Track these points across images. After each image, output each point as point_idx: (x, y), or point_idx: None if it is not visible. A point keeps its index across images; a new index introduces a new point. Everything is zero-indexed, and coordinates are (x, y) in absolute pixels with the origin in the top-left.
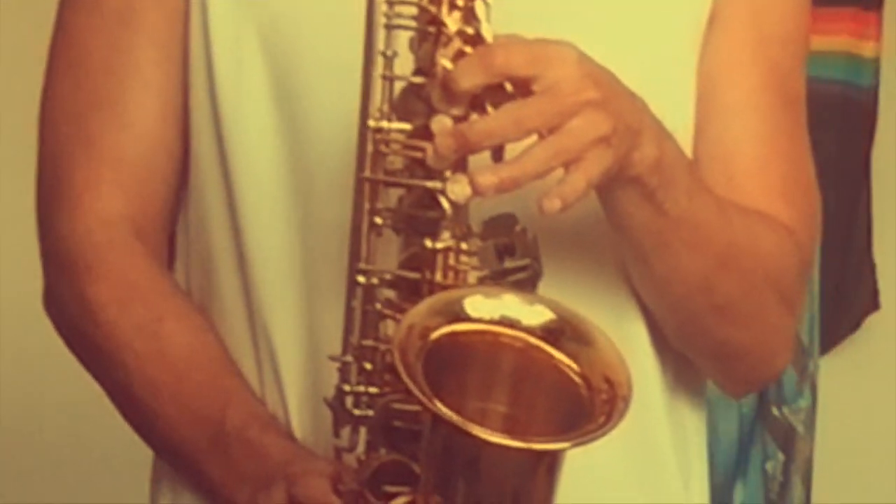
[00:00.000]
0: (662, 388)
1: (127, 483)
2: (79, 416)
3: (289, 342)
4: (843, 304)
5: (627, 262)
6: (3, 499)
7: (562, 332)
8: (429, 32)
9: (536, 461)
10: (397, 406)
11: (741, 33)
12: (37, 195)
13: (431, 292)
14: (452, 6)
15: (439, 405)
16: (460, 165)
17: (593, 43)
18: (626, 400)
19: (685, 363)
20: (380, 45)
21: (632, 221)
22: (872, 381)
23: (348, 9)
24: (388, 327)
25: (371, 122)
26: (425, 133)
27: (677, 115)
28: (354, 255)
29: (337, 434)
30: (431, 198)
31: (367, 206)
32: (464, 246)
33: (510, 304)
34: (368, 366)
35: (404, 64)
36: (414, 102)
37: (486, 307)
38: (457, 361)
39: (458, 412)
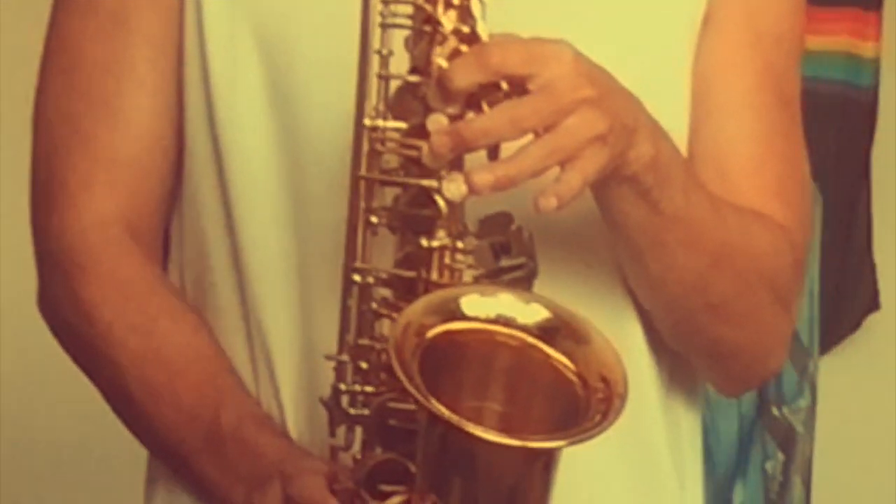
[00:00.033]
0: (658, 387)
1: (121, 483)
2: (73, 416)
3: (284, 341)
4: (843, 304)
5: (623, 260)
6: None
7: (558, 330)
8: (424, 31)
9: (532, 460)
10: (393, 405)
11: (736, 33)
12: (31, 195)
13: (427, 291)
14: (448, 5)
15: (435, 403)
16: (456, 164)
17: (588, 42)
18: (623, 398)
19: (681, 363)
20: (375, 43)
21: (627, 220)
22: (872, 381)
23: (343, 8)
24: (384, 326)
25: (367, 121)
26: (421, 132)
27: (672, 115)
28: (350, 254)
29: (333, 433)
30: (427, 196)
31: (362, 204)
32: (459, 244)
33: (506, 303)
34: (364, 365)
35: (400, 63)
36: (410, 101)
37: (482, 306)
38: (453, 360)
39: (453, 411)
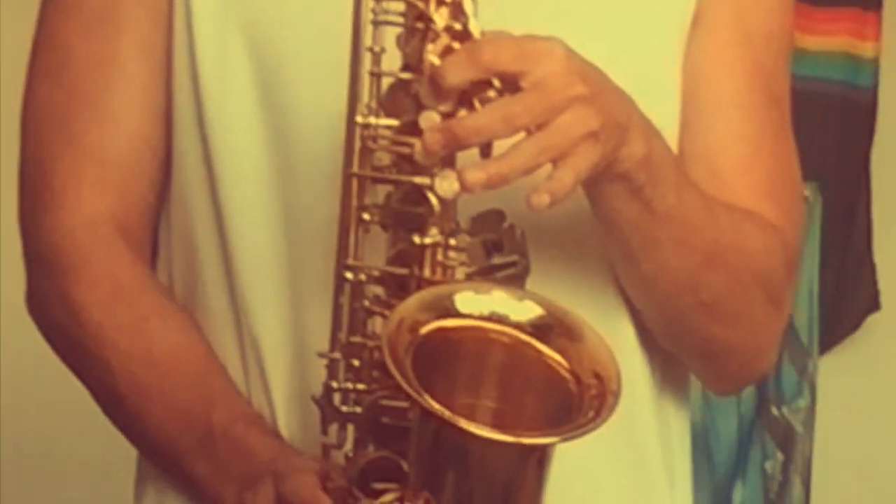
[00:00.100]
0: (650, 386)
1: (111, 483)
2: (61, 416)
3: (274, 340)
4: (843, 304)
5: (615, 259)
6: None
7: (551, 328)
8: (416, 28)
9: (526, 456)
10: (385, 402)
11: (725, 33)
12: (19, 195)
13: (419, 288)
14: (440, 2)
15: (428, 399)
16: (448, 161)
17: (579, 40)
18: (616, 395)
19: (672, 362)
20: (367, 41)
21: (619, 218)
22: (872, 381)
23: (333, 6)
24: (376, 324)
25: (359, 118)
26: (413, 129)
27: (663, 114)
28: (342, 252)
29: (325, 431)
30: (419, 194)
31: (354, 202)
32: (452, 242)
33: (500, 300)
34: (356, 362)
35: (392, 60)
36: (401, 99)
37: (476, 303)
38: (446, 357)
39: (447, 407)
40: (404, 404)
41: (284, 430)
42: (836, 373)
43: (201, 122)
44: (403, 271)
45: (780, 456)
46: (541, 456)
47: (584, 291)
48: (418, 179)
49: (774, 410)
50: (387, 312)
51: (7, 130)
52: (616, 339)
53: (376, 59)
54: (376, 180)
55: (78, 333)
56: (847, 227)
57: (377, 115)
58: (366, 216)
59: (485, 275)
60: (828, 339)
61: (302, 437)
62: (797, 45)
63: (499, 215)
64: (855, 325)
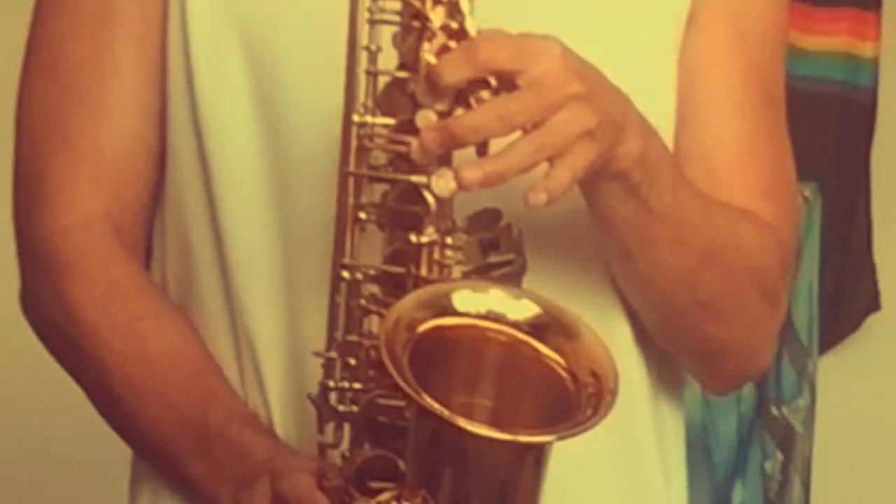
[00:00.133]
0: (646, 385)
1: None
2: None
3: (270, 340)
4: (843, 304)
5: (611, 258)
6: None
7: (548, 326)
8: (413, 27)
9: (523, 455)
10: (382, 401)
11: (720, 32)
12: (14, 194)
13: (416, 287)
14: (436, 1)
15: (426, 397)
16: (444, 160)
17: (574, 39)
18: (613, 393)
19: (668, 362)
20: (363, 39)
21: (616, 216)
22: (872, 381)
23: (329, 4)
24: (373, 323)
25: (355, 117)
26: (409, 128)
27: (658, 113)
28: (338, 251)
29: (321, 430)
30: (416, 192)
31: (351, 201)
32: (448, 240)
33: (497, 299)
34: (353, 361)
35: (388, 59)
36: (398, 97)
37: (473, 301)
38: (443, 355)
39: (444, 406)
40: (401, 403)
41: (280, 430)
42: (835, 373)
43: (196, 122)
44: (400, 270)
45: (779, 456)
46: (538, 454)
47: (581, 290)
48: (415, 178)
49: (774, 410)
50: (383, 311)
51: (1, 128)
52: (612, 338)
53: (372, 57)
54: (373, 179)
55: (72, 333)
56: (847, 227)
57: (373, 114)
58: (362, 215)
59: (481, 273)
60: (828, 339)
61: (298, 436)
62: (797, 45)
63: (495, 214)
64: (855, 325)
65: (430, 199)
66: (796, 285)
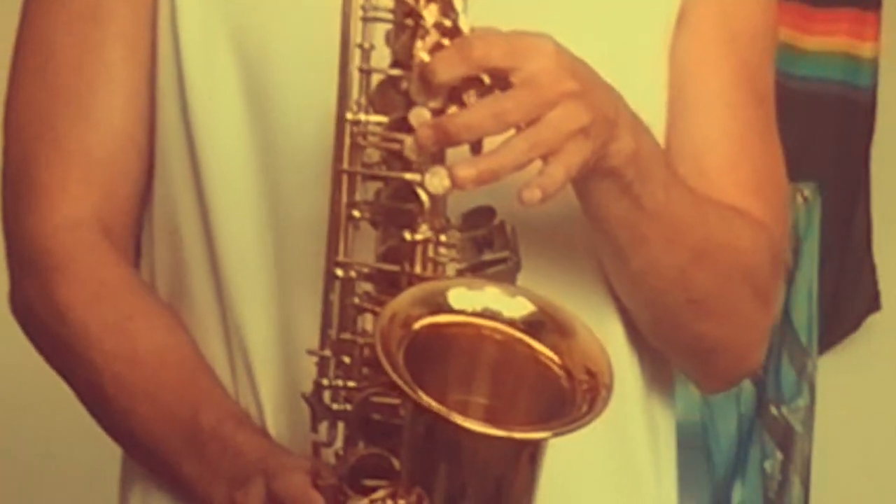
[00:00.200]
0: (639, 384)
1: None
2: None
3: (262, 339)
4: (843, 304)
5: (604, 256)
6: None
7: (543, 324)
8: (406, 25)
9: (518, 451)
10: (376, 400)
11: (710, 32)
12: (3, 194)
13: (410, 285)
14: None
15: (421, 394)
16: (438, 158)
17: (565, 38)
18: (609, 389)
19: (659, 362)
20: (357, 37)
21: (608, 214)
22: (872, 381)
23: (321, 2)
24: (367, 321)
25: (349, 115)
26: (403, 126)
27: (649, 113)
28: (332, 249)
29: (315, 429)
30: (410, 190)
31: (344, 198)
32: (442, 238)
33: (493, 297)
34: (347, 360)
35: (381, 57)
36: (391, 95)
37: (469, 299)
38: (439, 353)
39: (439, 403)
40: (395, 401)
41: (272, 429)
42: (835, 373)
43: (187, 121)
44: (394, 268)
45: (779, 455)
46: (533, 451)
47: (574, 289)
48: (409, 176)
49: (774, 410)
50: (377, 309)
51: None
52: (605, 336)
53: (366, 55)
54: (366, 177)
55: (63, 333)
56: (847, 227)
57: (367, 112)
58: (356, 213)
59: (475, 271)
60: (827, 338)
61: (290, 435)
62: (797, 46)
63: (489, 212)
64: (855, 325)
65: (423, 196)
66: (796, 285)
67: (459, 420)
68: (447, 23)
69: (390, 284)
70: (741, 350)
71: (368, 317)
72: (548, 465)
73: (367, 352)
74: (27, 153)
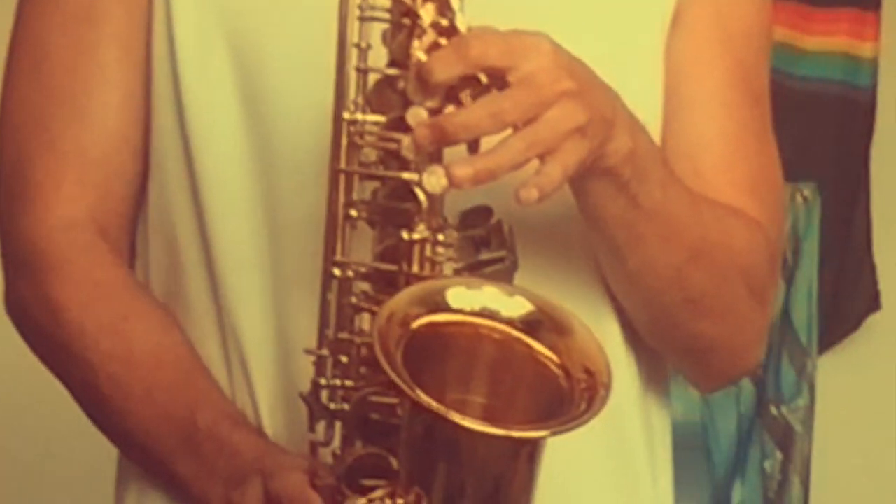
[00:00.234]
0: (636, 384)
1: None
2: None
3: (258, 339)
4: (843, 304)
5: (601, 256)
6: None
7: (541, 323)
8: (403, 24)
9: (517, 450)
10: (373, 399)
11: (706, 31)
12: None
13: (408, 284)
14: None
15: (419, 392)
16: (435, 157)
17: (561, 38)
18: (607, 388)
19: (655, 362)
20: (353, 37)
21: (605, 213)
22: (872, 381)
23: (316, 2)
24: (364, 321)
25: (346, 115)
26: (400, 125)
27: (645, 112)
28: (329, 248)
29: (312, 429)
30: (407, 190)
31: (342, 198)
32: (440, 238)
33: (491, 296)
34: (344, 359)
35: (378, 56)
36: (388, 95)
37: (467, 298)
38: (437, 352)
39: (437, 402)
40: (393, 401)
41: (269, 429)
42: (835, 372)
43: (182, 122)
44: (391, 267)
45: (779, 455)
46: (532, 450)
47: (571, 288)
48: (406, 175)
49: (773, 410)
50: (375, 309)
51: None
52: (602, 336)
53: (363, 54)
54: (363, 176)
55: (58, 334)
56: (847, 227)
57: (364, 111)
58: (353, 212)
59: (472, 270)
60: (827, 338)
61: (287, 435)
62: (797, 46)
63: (486, 211)
64: (855, 325)
65: (421, 196)
66: (796, 285)
67: (458, 419)
68: (444, 22)
69: (388, 284)
70: (738, 349)
71: (366, 316)
72: (546, 464)
73: (364, 351)
74: (22, 154)
